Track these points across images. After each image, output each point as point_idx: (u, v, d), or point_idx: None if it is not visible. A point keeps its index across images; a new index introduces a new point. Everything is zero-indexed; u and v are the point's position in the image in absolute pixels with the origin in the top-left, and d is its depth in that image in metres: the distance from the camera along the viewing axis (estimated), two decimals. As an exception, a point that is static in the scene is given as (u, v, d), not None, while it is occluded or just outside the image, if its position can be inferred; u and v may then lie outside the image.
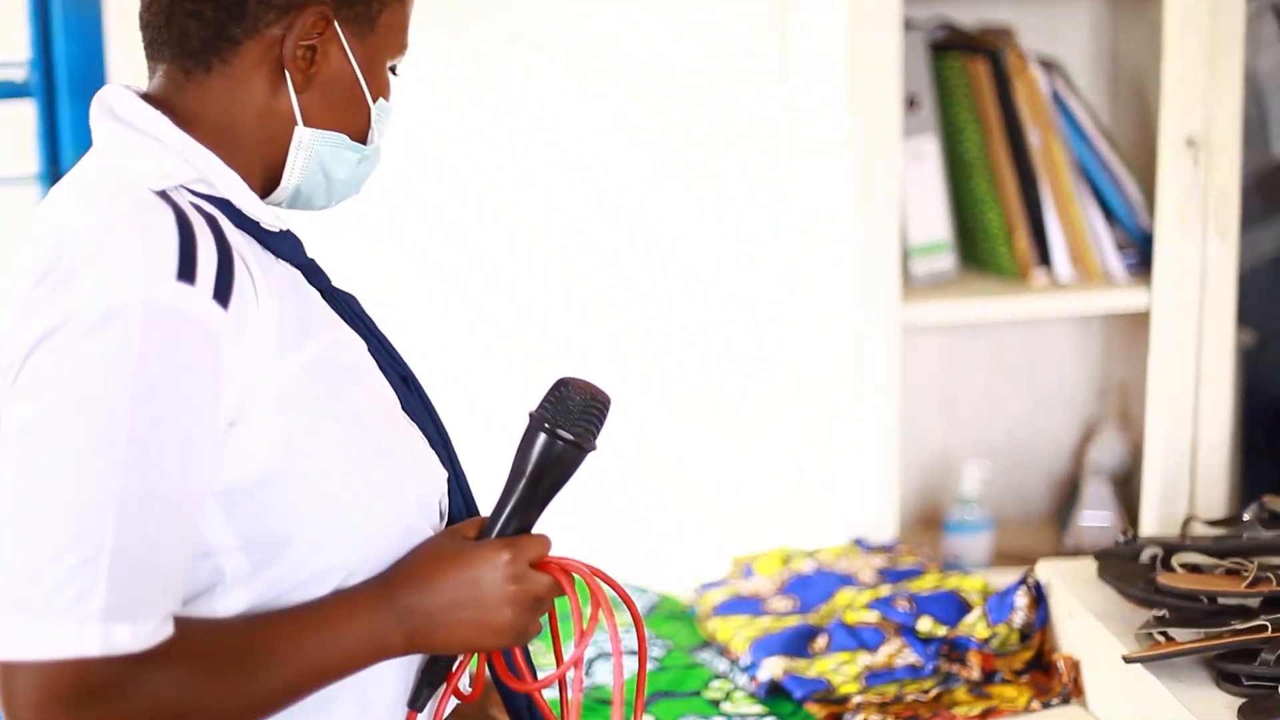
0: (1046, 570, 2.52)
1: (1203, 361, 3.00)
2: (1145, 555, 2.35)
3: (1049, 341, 3.39)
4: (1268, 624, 2.09)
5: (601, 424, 1.59)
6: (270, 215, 1.57)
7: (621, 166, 3.08)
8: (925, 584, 2.66)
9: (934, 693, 2.37)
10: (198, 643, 1.42)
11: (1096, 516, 3.30)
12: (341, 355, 1.54)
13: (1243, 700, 2.03)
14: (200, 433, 1.41)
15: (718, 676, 2.45)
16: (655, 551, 2.99)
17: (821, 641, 2.51)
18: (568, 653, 1.67)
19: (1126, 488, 3.33)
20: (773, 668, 2.43)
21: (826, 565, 2.76)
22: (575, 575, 1.60)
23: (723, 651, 2.57)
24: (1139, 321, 3.11)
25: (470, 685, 1.69)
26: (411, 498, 1.57)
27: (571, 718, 1.60)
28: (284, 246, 1.57)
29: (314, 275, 1.59)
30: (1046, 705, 2.37)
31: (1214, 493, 3.02)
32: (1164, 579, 2.24)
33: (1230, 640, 2.10)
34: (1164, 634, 2.17)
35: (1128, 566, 2.35)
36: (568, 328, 3.10)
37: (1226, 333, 3.00)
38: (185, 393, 1.39)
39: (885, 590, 2.63)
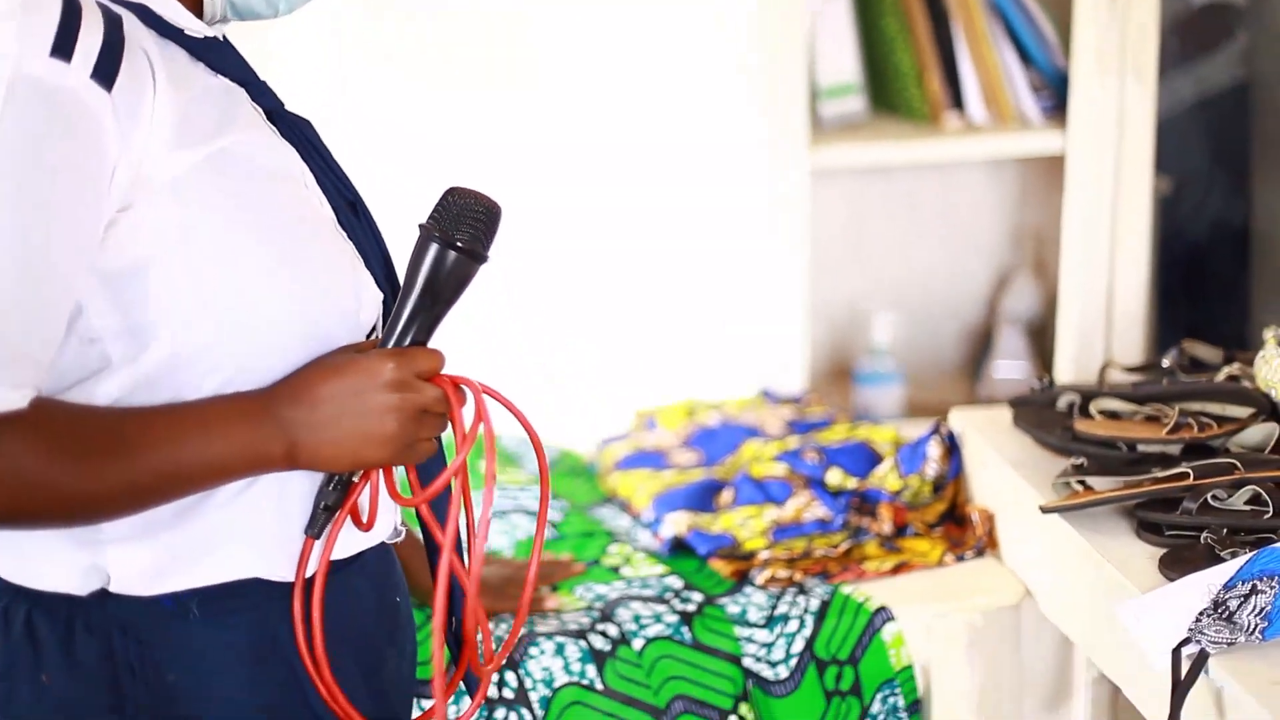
0: (960, 420, 2.43)
1: (1119, 207, 2.91)
2: (1062, 402, 2.27)
3: (962, 187, 3.28)
4: (1189, 471, 2.01)
5: (493, 233, 1.53)
6: (195, 23, 1.52)
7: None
8: (834, 435, 2.57)
9: (844, 547, 2.28)
10: (61, 420, 1.40)
11: (1010, 366, 3.22)
12: (258, 156, 1.51)
13: (1164, 550, 1.95)
14: (74, 207, 1.39)
15: (616, 540, 2.34)
16: (555, 405, 2.88)
17: (727, 496, 2.42)
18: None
19: (1040, 337, 3.25)
20: (676, 524, 2.33)
21: (732, 418, 2.66)
22: (466, 390, 1.52)
23: (624, 508, 2.47)
24: (1054, 166, 3.01)
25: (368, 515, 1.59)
26: (325, 310, 1.52)
27: (450, 527, 1.53)
28: (214, 57, 1.53)
29: (261, 95, 1.57)
30: (960, 559, 2.29)
31: (1130, 340, 2.93)
32: (1082, 426, 2.15)
33: (1151, 489, 2.02)
34: (1082, 483, 2.09)
35: (1044, 414, 2.26)
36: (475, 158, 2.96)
37: (1144, 178, 2.90)
38: (57, 164, 1.38)
39: (793, 442, 2.54)
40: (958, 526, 2.37)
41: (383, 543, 1.64)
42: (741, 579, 2.24)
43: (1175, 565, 1.91)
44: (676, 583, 2.21)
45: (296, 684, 1.54)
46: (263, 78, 1.60)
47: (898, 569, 2.26)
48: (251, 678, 1.53)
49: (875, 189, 3.23)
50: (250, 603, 1.52)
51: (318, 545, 1.53)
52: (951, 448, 2.40)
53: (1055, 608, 2.16)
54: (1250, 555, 1.82)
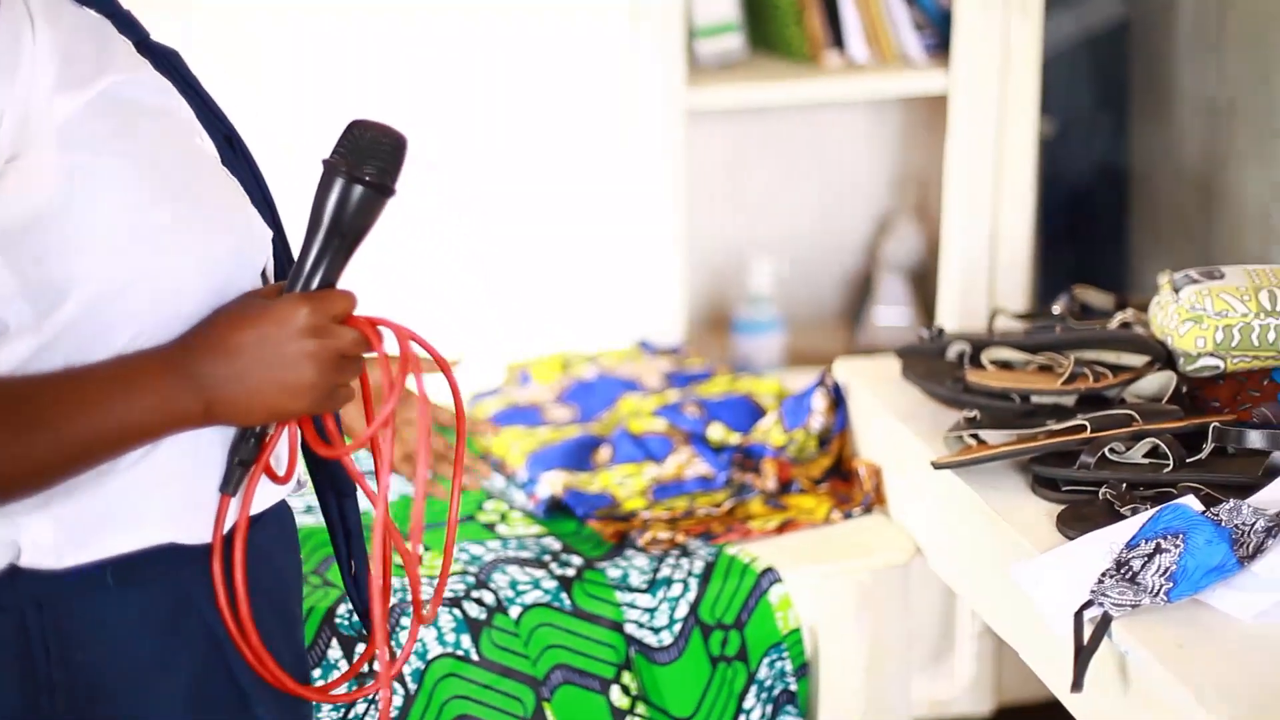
0: (845, 370, 2.34)
1: (1004, 149, 2.83)
2: (952, 352, 2.18)
3: (843, 128, 3.19)
4: (1086, 424, 1.93)
5: (399, 165, 1.46)
6: None
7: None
8: (715, 388, 2.48)
9: (727, 505, 2.19)
10: None
11: (892, 313, 3.14)
12: (142, 96, 1.47)
13: (1061, 507, 1.87)
14: None
15: (491, 496, 2.23)
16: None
17: (605, 453, 2.32)
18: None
19: (923, 283, 3.17)
20: (552, 483, 2.23)
21: (609, 370, 2.56)
22: (384, 330, 1.47)
23: (499, 467, 2.36)
24: (937, 106, 2.93)
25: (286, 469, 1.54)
26: (223, 252, 1.47)
27: (383, 478, 1.46)
28: None
29: (127, 26, 1.52)
30: (848, 516, 2.20)
31: (1015, 286, 2.86)
32: (973, 377, 2.07)
33: (1046, 442, 1.94)
34: (975, 437, 2.00)
35: (933, 364, 2.18)
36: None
37: (1029, 119, 2.83)
38: None
39: (673, 396, 2.44)
40: (844, 482, 2.28)
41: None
42: (622, 541, 2.14)
43: (1073, 523, 1.83)
44: (555, 545, 2.10)
45: (218, 652, 1.49)
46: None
47: (783, 527, 2.17)
48: (170, 648, 1.48)
49: (754, 131, 3.14)
50: (165, 569, 1.47)
51: (234, 502, 1.47)
52: (837, 400, 2.32)
53: (947, 566, 2.08)
54: (1152, 512, 1.74)
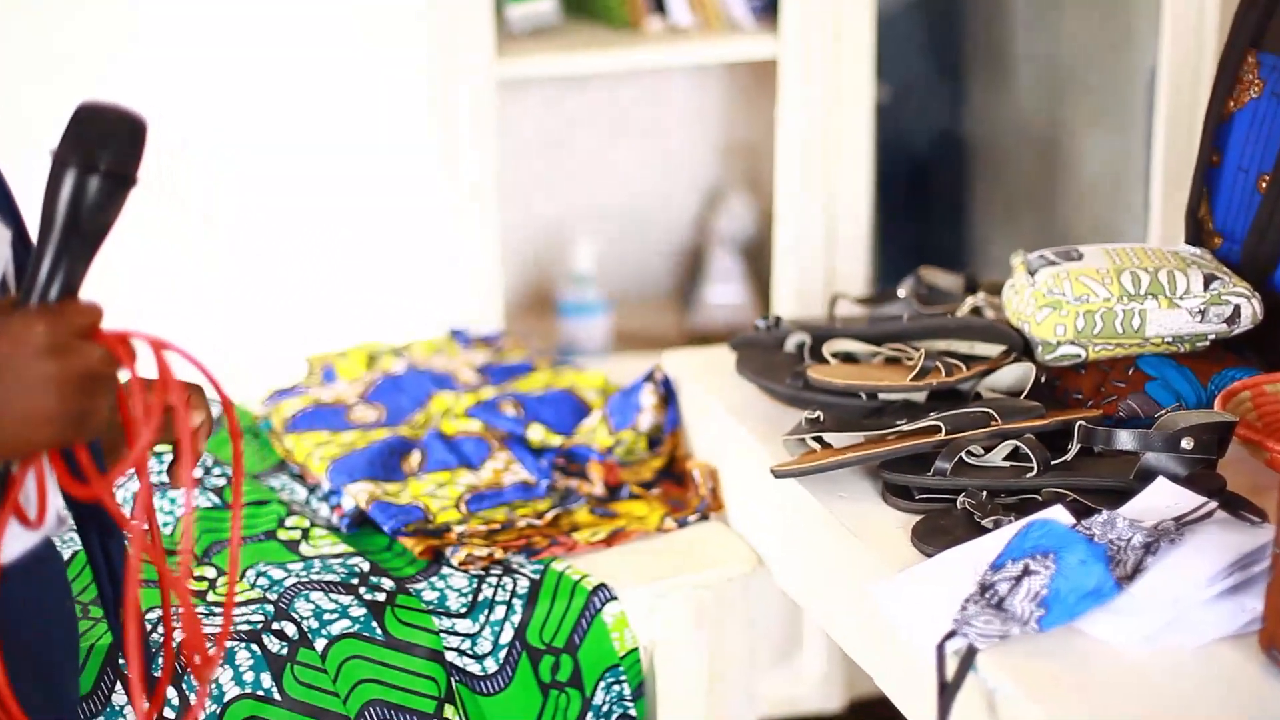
0: (676, 363, 2.16)
1: (838, 117, 2.66)
2: (791, 343, 2.00)
3: (667, 97, 3.02)
4: (940, 424, 1.76)
5: (141, 151, 1.28)
6: None
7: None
8: (535, 383, 2.28)
9: (550, 515, 1.99)
10: None
11: (725, 292, 2.98)
12: None
13: (918, 517, 1.70)
14: None
15: (293, 512, 2.01)
16: (219, 351, 2.53)
17: (415, 459, 2.11)
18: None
19: (757, 259, 3.00)
20: (356, 495, 2.02)
21: (420, 363, 2.35)
22: (136, 344, 1.29)
23: (301, 475, 2.15)
24: (766, 73, 2.76)
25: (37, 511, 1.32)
26: None
27: (139, 516, 1.31)
28: None
29: None
30: (682, 523, 2.02)
31: (854, 263, 2.70)
32: (815, 373, 1.89)
33: (897, 445, 1.77)
34: (818, 439, 1.83)
35: (772, 358, 2.00)
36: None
37: (864, 85, 2.67)
38: None
39: (489, 393, 2.24)
40: (678, 485, 2.10)
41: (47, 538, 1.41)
42: (437, 558, 1.94)
43: (930, 537, 1.67)
44: (364, 565, 1.89)
45: None
46: None
47: (613, 538, 1.98)
48: None
49: (572, 101, 2.95)
50: None
51: None
52: (668, 396, 2.13)
53: (792, 582, 1.91)
54: (1018, 525, 1.57)
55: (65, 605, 1.49)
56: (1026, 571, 1.50)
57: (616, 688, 1.90)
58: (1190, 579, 1.48)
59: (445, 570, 1.91)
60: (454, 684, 1.83)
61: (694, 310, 2.99)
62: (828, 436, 1.82)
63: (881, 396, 1.87)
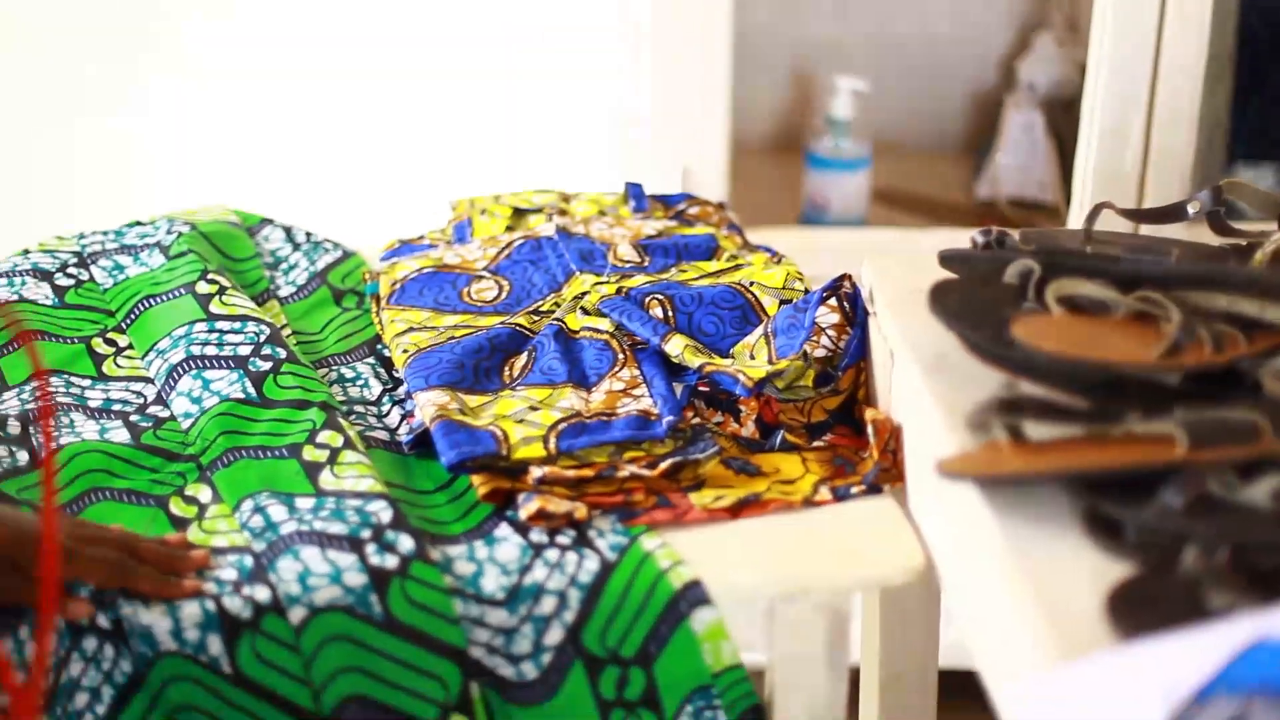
0: (878, 272, 1.61)
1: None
2: (1012, 272, 1.44)
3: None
4: (1182, 434, 1.19)
5: None
6: None
7: None
8: (699, 272, 1.75)
9: (666, 465, 1.49)
10: None
11: (1020, 155, 2.38)
12: None
13: (1125, 567, 1.15)
14: None
15: (331, 422, 1.54)
16: (372, 195, 2.10)
17: (521, 362, 1.63)
18: None
19: (1071, 118, 2.40)
20: (425, 406, 1.55)
21: (573, 227, 1.84)
22: None
23: (389, 364, 1.70)
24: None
25: None
26: None
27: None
28: None
29: None
30: (842, 494, 1.49)
31: (1176, 145, 2.08)
32: (1021, 330, 1.32)
33: (1114, 459, 1.21)
34: (1012, 430, 1.28)
35: (982, 290, 1.44)
36: None
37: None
38: None
39: (637, 280, 1.72)
40: (855, 436, 1.57)
41: None
42: (505, 504, 1.47)
43: (1129, 609, 1.11)
44: (385, 513, 1.41)
45: None
46: None
47: (741, 508, 1.47)
48: None
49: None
50: None
51: None
52: (855, 315, 1.59)
53: (959, 609, 1.37)
54: (1251, 633, 1.01)
55: None
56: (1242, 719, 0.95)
57: (710, 714, 1.40)
58: None
59: (500, 531, 1.43)
60: (474, 690, 1.36)
61: (983, 178, 2.41)
62: (1028, 426, 1.27)
63: (1116, 373, 1.30)
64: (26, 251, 1.84)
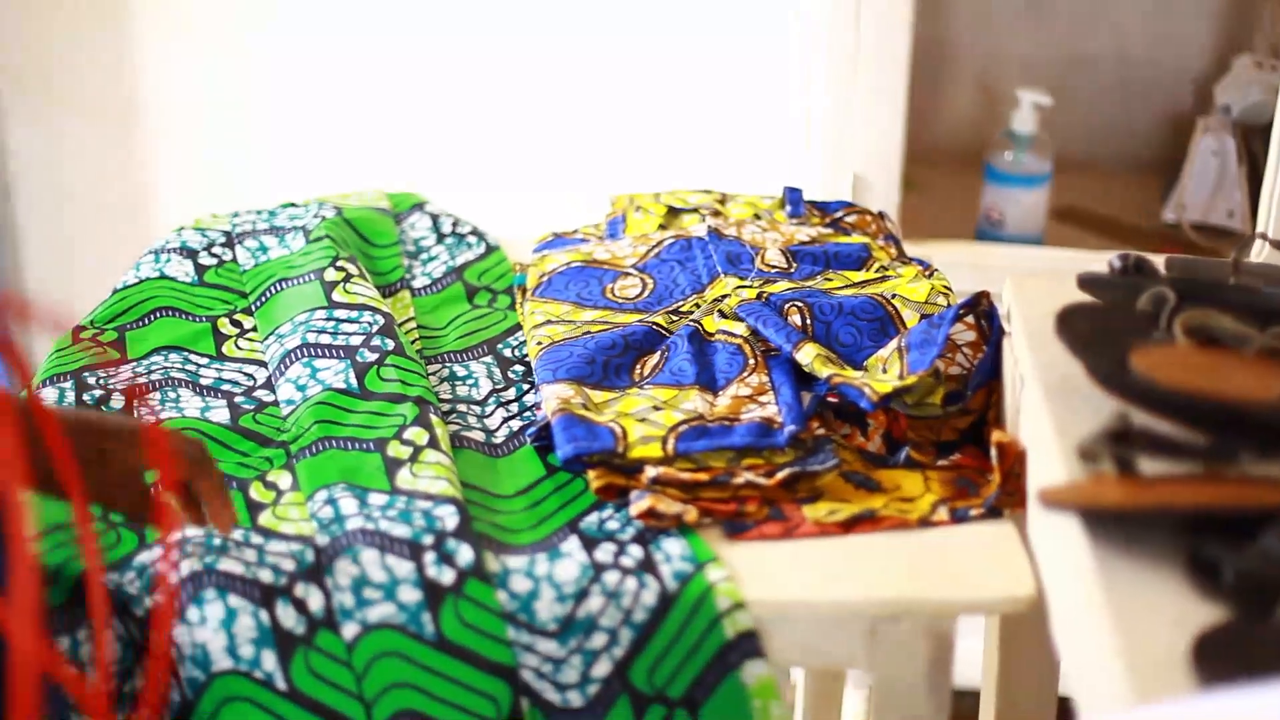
0: (1019, 292, 1.57)
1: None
2: (1146, 299, 1.39)
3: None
4: (1293, 478, 1.15)
5: None
6: None
7: None
8: (845, 281, 1.73)
9: (784, 474, 1.47)
10: None
11: (1207, 181, 2.31)
12: None
13: (1212, 622, 1.11)
14: None
15: (421, 418, 1.53)
16: (536, 186, 2.11)
17: (653, 361, 1.62)
18: None
19: (1266, 144, 2.32)
20: (549, 399, 1.55)
21: (725, 229, 1.83)
22: None
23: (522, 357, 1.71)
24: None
25: None
26: None
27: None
28: None
29: None
30: (960, 515, 1.46)
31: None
32: (1142, 361, 1.28)
33: (1225, 500, 1.16)
34: (1120, 462, 1.24)
35: (1113, 317, 1.40)
36: None
37: None
38: None
39: (780, 287, 1.71)
40: (982, 458, 1.54)
41: None
42: (618, 499, 1.46)
43: (1218, 658, 1.07)
44: (450, 520, 1.39)
45: None
46: None
47: (855, 524, 1.45)
48: None
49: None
50: None
51: None
52: (990, 333, 1.56)
53: (1058, 638, 1.33)
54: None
55: None
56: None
57: None
58: None
59: (567, 546, 1.41)
60: (524, 707, 1.35)
61: (1170, 201, 2.34)
62: (1139, 460, 1.23)
63: (1232, 410, 1.25)
64: (182, 229, 1.88)
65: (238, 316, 1.75)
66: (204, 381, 1.64)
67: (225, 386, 1.63)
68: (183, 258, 1.82)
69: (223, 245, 1.85)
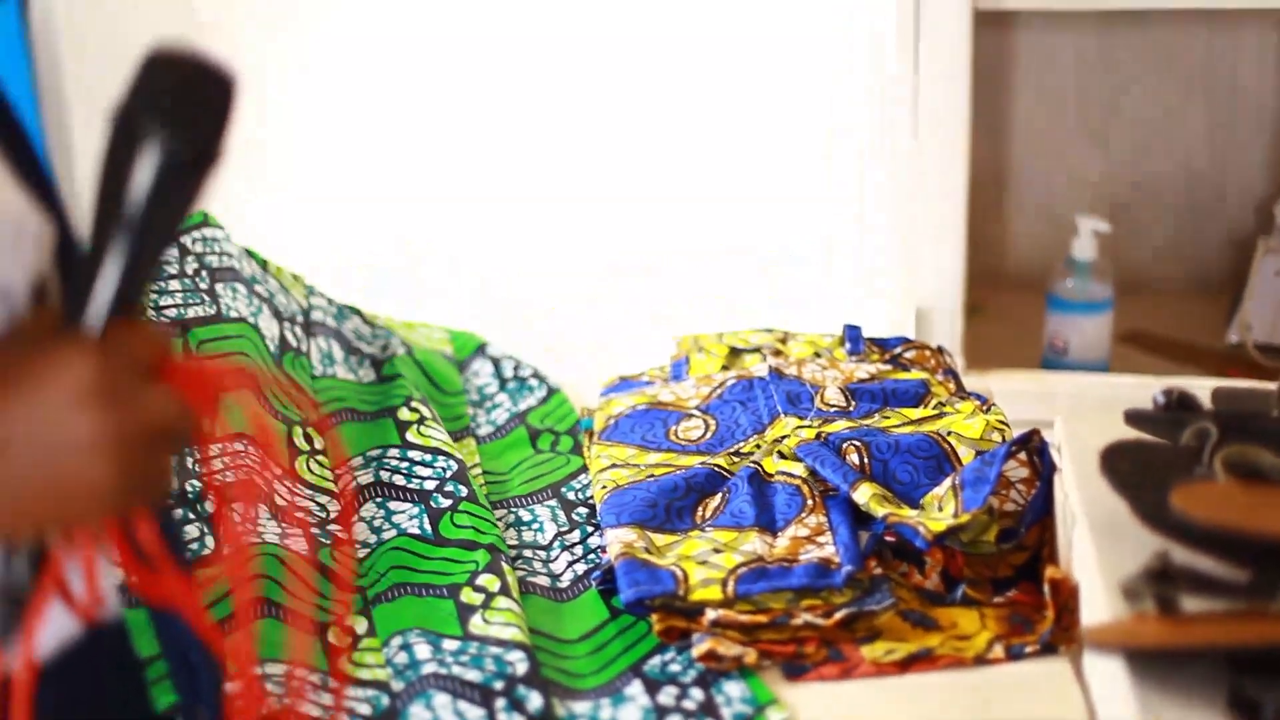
0: (1074, 426, 1.60)
1: None
2: (1190, 435, 1.42)
3: (1239, 39, 2.37)
4: (1333, 616, 1.17)
5: (228, 118, 0.94)
6: None
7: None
8: (903, 419, 1.76)
9: (842, 614, 1.50)
10: None
11: (1271, 302, 2.33)
12: None
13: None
14: None
15: (492, 567, 1.57)
16: (590, 328, 2.15)
17: (714, 503, 1.66)
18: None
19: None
20: (612, 543, 1.59)
21: (786, 369, 1.87)
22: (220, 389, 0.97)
23: (585, 502, 1.75)
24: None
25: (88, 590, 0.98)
26: None
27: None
28: None
29: None
30: (1016, 653, 1.48)
31: None
32: (1182, 499, 1.31)
33: (1265, 637, 1.18)
34: (1162, 600, 1.26)
35: (1153, 454, 1.42)
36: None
37: None
38: None
39: (839, 426, 1.74)
40: (1038, 593, 1.56)
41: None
42: (680, 641, 1.50)
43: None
44: (521, 665, 1.44)
45: None
46: None
47: (911, 663, 1.47)
48: None
49: (1091, 40, 2.36)
50: None
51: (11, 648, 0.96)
52: (1042, 469, 1.58)
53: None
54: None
55: (137, 691, 1.15)
56: None
57: None
58: None
59: (631, 690, 1.45)
60: None
61: (1234, 324, 2.36)
62: (1183, 598, 1.26)
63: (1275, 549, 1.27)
64: (265, 264, 1.89)
65: (309, 431, 1.76)
66: (279, 501, 1.67)
67: (299, 515, 1.66)
68: (270, 318, 1.82)
69: (302, 325, 1.87)
